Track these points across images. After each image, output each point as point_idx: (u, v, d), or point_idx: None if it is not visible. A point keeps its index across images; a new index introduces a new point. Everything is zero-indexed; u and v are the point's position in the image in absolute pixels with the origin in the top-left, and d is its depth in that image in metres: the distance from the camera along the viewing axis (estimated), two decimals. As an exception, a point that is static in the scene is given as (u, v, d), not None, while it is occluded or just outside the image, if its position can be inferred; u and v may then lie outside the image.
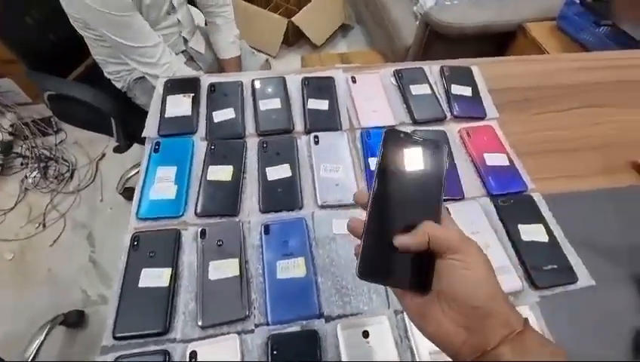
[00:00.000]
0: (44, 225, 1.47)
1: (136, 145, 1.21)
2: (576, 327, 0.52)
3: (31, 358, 1.08)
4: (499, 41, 1.44)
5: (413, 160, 0.32)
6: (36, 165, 1.59)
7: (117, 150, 1.24)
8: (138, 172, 1.36)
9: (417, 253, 0.29)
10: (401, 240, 0.30)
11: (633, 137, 0.73)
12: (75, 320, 1.22)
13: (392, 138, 0.33)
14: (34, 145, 1.62)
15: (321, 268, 0.54)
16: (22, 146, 1.64)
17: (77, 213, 1.51)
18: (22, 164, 1.61)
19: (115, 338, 0.48)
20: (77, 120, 1.14)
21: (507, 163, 0.67)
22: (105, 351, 0.47)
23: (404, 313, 0.47)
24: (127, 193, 1.50)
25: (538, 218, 0.60)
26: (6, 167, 1.58)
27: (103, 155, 1.68)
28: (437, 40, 1.42)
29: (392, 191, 0.31)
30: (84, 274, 1.36)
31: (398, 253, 0.30)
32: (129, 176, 1.49)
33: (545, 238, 0.58)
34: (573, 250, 0.57)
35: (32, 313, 1.24)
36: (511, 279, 0.53)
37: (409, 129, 0.71)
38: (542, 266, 0.55)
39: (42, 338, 1.12)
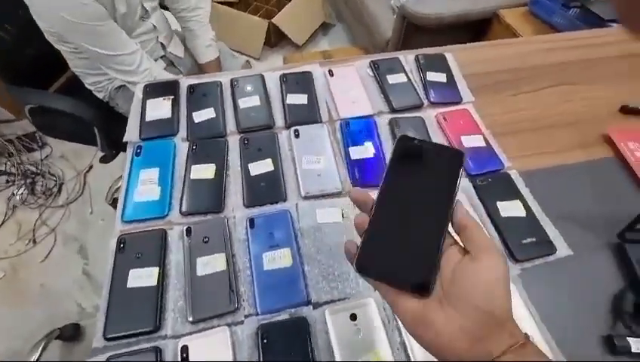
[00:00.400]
0: (34, 241, 1.46)
1: (122, 155, 1.20)
2: (557, 296, 0.53)
3: (28, 375, 1.07)
4: (475, 29, 1.47)
5: (426, 164, 0.32)
6: (23, 182, 1.57)
7: (103, 160, 1.24)
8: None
9: (423, 253, 0.29)
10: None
11: (603, 112, 0.76)
12: (71, 334, 1.22)
13: (405, 143, 0.33)
14: (19, 161, 1.61)
15: (307, 256, 0.55)
16: (6, 164, 1.62)
17: (67, 226, 1.50)
18: (7, 182, 1.60)
19: (106, 339, 0.48)
20: (60, 132, 1.13)
21: (484, 144, 0.69)
22: (96, 352, 0.48)
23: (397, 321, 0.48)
24: (117, 203, 1.50)
25: (515, 194, 0.62)
26: (-9, 185, 1.57)
27: (90, 167, 1.67)
28: (415, 31, 1.45)
29: (401, 193, 0.31)
30: (78, 288, 1.35)
31: (402, 252, 0.29)
32: (117, 186, 1.48)
33: (523, 213, 0.59)
34: (551, 223, 0.59)
35: (27, 329, 1.23)
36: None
37: (387, 117, 0.73)
38: (521, 240, 0.56)
39: (38, 354, 1.11)
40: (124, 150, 1.15)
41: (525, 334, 0.27)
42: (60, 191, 1.60)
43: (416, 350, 0.47)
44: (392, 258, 0.29)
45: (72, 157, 1.68)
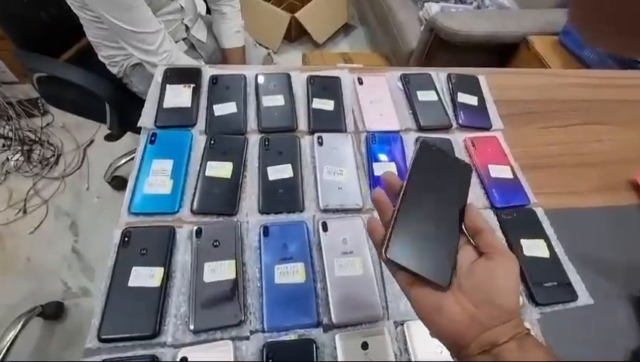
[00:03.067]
0: (24, 211, 1.41)
1: (128, 135, 1.17)
2: (574, 346, 0.51)
3: (4, 350, 1.03)
4: (501, 53, 1.45)
5: (443, 170, 0.37)
6: (19, 148, 1.52)
7: (109, 138, 1.20)
8: (128, 161, 1.32)
9: (443, 249, 0.32)
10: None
11: (632, 156, 0.74)
12: (53, 312, 1.18)
13: (426, 148, 0.37)
14: (18, 126, 1.55)
15: (321, 273, 0.53)
16: (4, 127, 1.57)
17: (61, 200, 1.46)
18: (4, 146, 1.54)
19: (100, 340, 0.45)
20: (68, 104, 1.09)
21: (511, 175, 0.66)
22: (88, 353, 0.44)
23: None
24: (116, 182, 1.46)
25: (540, 233, 0.59)
26: (-14, 148, 1.51)
27: (92, 142, 1.62)
28: (440, 46, 1.42)
29: (422, 192, 0.34)
30: (66, 265, 1.31)
31: (425, 246, 0.32)
32: (118, 164, 1.44)
33: (546, 254, 0.57)
34: (573, 268, 0.57)
35: (7, 303, 1.19)
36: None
37: (414, 135, 0.70)
38: (543, 282, 0.54)
39: (17, 330, 1.07)
40: (133, 130, 1.12)
41: (527, 329, 0.29)
42: (57, 162, 1.55)
43: (427, 389, 0.45)
44: (417, 250, 0.32)
45: (74, 129, 1.63)
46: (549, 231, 0.60)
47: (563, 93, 0.84)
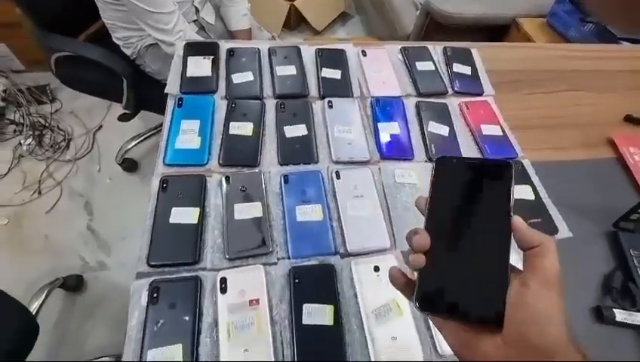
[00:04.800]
0: (39, 192, 1.46)
1: (135, 118, 1.22)
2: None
3: (31, 318, 1.10)
4: (494, 34, 1.53)
5: (472, 182, 0.30)
6: (31, 132, 1.57)
7: (122, 118, 1.25)
8: (137, 144, 1.38)
9: (490, 282, 0.27)
10: (518, 224, 0.28)
11: (608, 117, 0.83)
12: (74, 284, 1.24)
13: (443, 165, 0.31)
14: (28, 112, 1.60)
15: (336, 212, 0.60)
16: (15, 113, 1.62)
17: (74, 181, 1.51)
18: (15, 131, 1.59)
19: (149, 265, 0.52)
20: (85, 84, 1.15)
21: (501, 133, 0.74)
22: (140, 276, 0.52)
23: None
24: (126, 164, 1.51)
25: (527, 180, 0.68)
26: (-1, 133, 1.56)
27: (100, 127, 1.68)
28: (436, 29, 1.49)
29: (452, 217, 0.29)
30: (83, 242, 1.36)
31: (466, 283, 0.27)
32: (128, 147, 1.50)
33: (532, 197, 0.65)
34: (555, 208, 0.65)
35: (29, 278, 1.24)
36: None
37: (414, 100, 0.78)
38: (528, 219, 0.61)
39: (43, 298, 1.13)
40: (146, 109, 1.18)
41: (583, 355, 0.25)
42: (68, 146, 1.60)
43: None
44: (457, 291, 0.27)
45: (83, 114, 1.68)
46: (535, 178, 0.68)
47: (547, 64, 0.92)
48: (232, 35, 1.21)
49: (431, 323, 0.51)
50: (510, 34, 1.46)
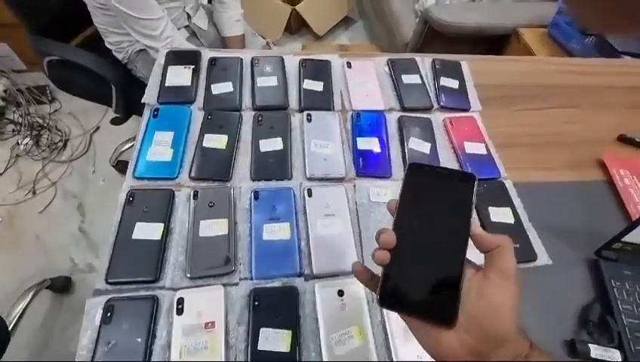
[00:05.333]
0: (34, 192, 1.48)
1: (130, 120, 1.22)
2: (529, 299, 0.56)
3: (16, 319, 1.10)
4: (493, 44, 1.49)
5: (439, 189, 0.32)
6: (29, 132, 1.59)
7: (114, 122, 1.26)
8: (132, 146, 1.39)
9: (446, 285, 0.29)
10: (478, 231, 0.30)
11: (601, 137, 0.79)
12: (61, 286, 1.25)
13: (416, 171, 0.33)
14: (27, 112, 1.62)
15: (305, 232, 0.58)
16: (14, 113, 1.64)
17: (68, 182, 1.53)
18: (13, 131, 1.61)
19: (108, 282, 0.51)
20: (76, 88, 1.15)
21: (485, 152, 0.72)
22: (97, 293, 0.51)
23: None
24: (120, 166, 1.52)
25: (507, 202, 0.65)
26: (-2, 132, 1.58)
27: (97, 128, 1.69)
28: (435, 38, 1.47)
29: (417, 221, 0.31)
30: (74, 243, 1.37)
31: (424, 284, 0.29)
32: (123, 149, 1.50)
33: (511, 220, 0.63)
34: (536, 233, 0.62)
35: (18, 277, 1.25)
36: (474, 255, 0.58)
37: (397, 115, 0.76)
38: (506, 244, 0.60)
39: (28, 300, 1.14)
40: (137, 114, 1.18)
41: (530, 342, 0.28)
42: (64, 146, 1.62)
43: (394, 329, 0.51)
44: (415, 290, 0.29)
45: (81, 115, 1.70)
46: (516, 200, 0.66)
47: (541, 79, 0.89)
48: (224, 41, 1.21)
49: (393, 354, 0.49)
50: (510, 44, 1.42)
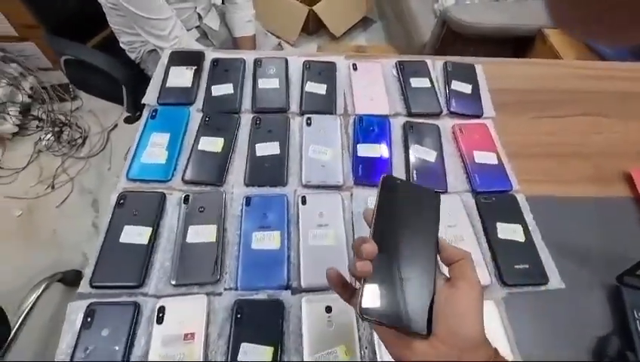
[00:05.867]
0: (52, 187, 1.53)
1: (145, 117, 1.24)
2: (540, 327, 0.52)
3: (27, 309, 1.13)
4: (516, 45, 1.42)
5: (410, 204, 0.34)
6: (51, 129, 1.64)
7: (127, 121, 1.28)
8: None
9: (420, 296, 0.30)
10: (443, 244, 0.33)
11: (627, 149, 0.72)
12: (72, 279, 1.27)
13: (389, 184, 0.35)
14: (50, 109, 1.68)
15: (296, 242, 0.56)
16: (39, 110, 1.70)
17: (85, 178, 1.57)
18: (37, 127, 1.67)
19: (91, 286, 0.50)
20: (90, 87, 1.18)
21: (496, 162, 0.67)
22: (80, 297, 0.50)
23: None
24: (134, 163, 1.54)
25: (518, 218, 0.60)
26: (22, 127, 1.65)
27: (115, 126, 1.73)
28: (454, 39, 1.41)
29: (391, 234, 0.32)
30: (87, 238, 1.41)
31: (400, 295, 0.30)
32: (136, 147, 1.53)
33: (521, 238, 0.58)
34: (548, 253, 0.57)
35: (33, 269, 1.29)
36: (480, 273, 0.53)
37: (403, 120, 0.72)
38: (514, 264, 0.55)
39: (40, 292, 1.17)
40: (147, 113, 1.19)
41: (495, 349, 0.29)
42: (83, 143, 1.67)
43: (385, 352, 0.47)
44: (393, 302, 0.30)
45: (100, 113, 1.75)
46: (528, 216, 0.60)
47: (564, 84, 0.82)
48: (235, 42, 1.20)
49: None
50: (535, 46, 1.34)
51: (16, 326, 1.07)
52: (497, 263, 0.55)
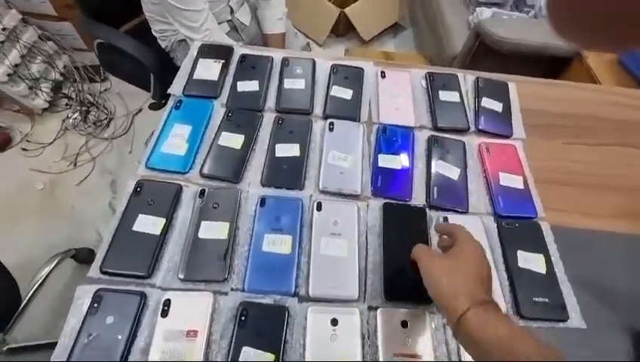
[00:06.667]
0: (75, 164, 1.57)
1: (170, 105, 1.25)
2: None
3: (40, 282, 1.16)
4: (551, 66, 1.36)
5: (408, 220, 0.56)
6: (79, 108, 1.69)
7: (152, 107, 1.30)
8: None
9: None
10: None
11: (669, 186, 0.68)
12: (84, 257, 1.30)
13: (390, 208, 0.58)
14: (80, 89, 1.73)
15: (307, 249, 0.55)
16: (69, 88, 1.75)
17: (106, 159, 1.60)
18: (66, 105, 1.72)
19: (101, 271, 0.51)
20: (120, 70, 1.20)
21: (522, 186, 0.64)
22: (89, 281, 0.50)
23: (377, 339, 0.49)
24: (154, 149, 1.57)
25: (541, 248, 0.57)
26: (52, 104, 1.69)
27: (140, 110, 1.76)
28: (486, 54, 1.37)
29: (396, 240, 0.51)
30: (102, 218, 1.44)
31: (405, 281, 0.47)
32: (158, 134, 1.55)
33: (543, 269, 0.55)
34: (571, 288, 0.54)
35: (49, 242, 1.33)
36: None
37: (428, 133, 0.70)
38: (532, 296, 0.52)
39: (52, 266, 1.19)
40: (172, 102, 1.21)
41: (488, 299, 0.37)
42: (108, 125, 1.70)
43: (387, 374, 0.46)
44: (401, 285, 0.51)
45: (127, 97, 1.78)
46: (552, 247, 0.57)
47: (600, 111, 0.78)
48: (265, 39, 1.20)
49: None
50: (571, 68, 1.29)
51: (28, 297, 1.09)
52: (515, 293, 0.52)
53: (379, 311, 0.50)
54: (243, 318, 0.48)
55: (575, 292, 0.53)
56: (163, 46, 1.16)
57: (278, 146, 0.65)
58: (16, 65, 1.51)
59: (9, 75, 1.48)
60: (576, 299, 0.53)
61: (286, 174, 0.62)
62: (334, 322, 0.49)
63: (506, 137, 0.71)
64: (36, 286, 1.13)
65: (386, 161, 0.65)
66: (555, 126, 0.75)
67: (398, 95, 0.75)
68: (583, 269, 0.56)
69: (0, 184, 1.48)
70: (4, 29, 1.43)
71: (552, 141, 0.73)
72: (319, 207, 0.58)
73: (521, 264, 0.55)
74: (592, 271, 0.57)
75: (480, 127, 0.71)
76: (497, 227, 0.59)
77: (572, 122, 0.76)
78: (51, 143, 1.62)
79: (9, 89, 1.51)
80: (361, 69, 0.78)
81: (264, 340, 0.47)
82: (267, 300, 0.50)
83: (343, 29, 2.08)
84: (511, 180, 0.64)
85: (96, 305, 0.47)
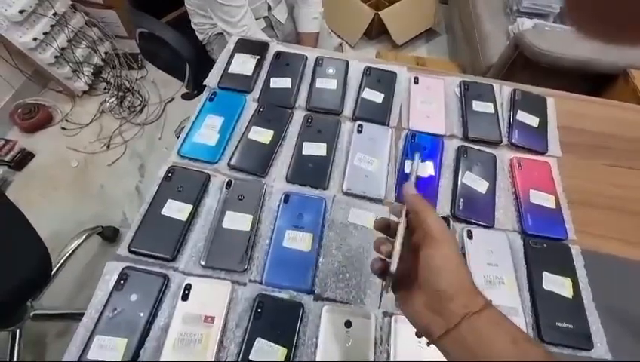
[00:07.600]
0: (108, 146, 1.64)
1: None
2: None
3: (67, 255, 1.22)
4: (594, 82, 1.30)
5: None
6: (116, 93, 1.76)
7: (185, 97, 1.33)
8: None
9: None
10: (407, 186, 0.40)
11: None
12: (110, 235, 1.36)
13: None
14: (119, 75, 1.80)
15: (326, 249, 0.55)
16: (109, 73, 1.83)
17: (137, 143, 1.66)
18: (105, 89, 1.80)
19: (129, 251, 0.53)
20: (158, 60, 1.24)
21: (553, 205, 0.62)
22: (118, 258, 0.53)
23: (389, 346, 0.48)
24: (182, 138, 1.61)
25: (569, 271, 0.55)
26: (92, 87, 1.78)
27: (172, 99, 1.82)
28: (523, 66, 1.32)
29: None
30: (129, 200, 1.49)
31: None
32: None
33: (569, 294, 0.53)
34: (598, 316, 0.51)
35: (78, 218, 1.40)
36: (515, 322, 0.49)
37: (458, 143, 0.68)
38: (556, 321, 0.50)
39: (80, 241, 1.25)
40: (204, 93, 1.24)
41: (488, 301, 0.31)
42: (141, 111, 1.77)
43: (398, 382, 0.45)
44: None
45: (161, 85, 1.84)
46: (581, 272, 0.55)
47: (645, 134, 0.74)
48: (299, 37, 1.21)
49: None
50: (615, 86, 1.23)
51: (57, 268, 1.15)
52: (537, 316, 0.51)
53: (394, 318, 0.50)
54: (259, 310, 0.49)
55: (603, 322, 0.51)
56: (200, 38, 1.19)
57: (305, 144, 0.65)
58: (63, 49, 1.59)
59: (56, 57, 1.56)
60: (604, 329, 0.51)
61: (311, 173, 0.62)
62: (348, 324, 0.49)
63: (540, 153, 0.69)
64: (65, 258, 1.18)
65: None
66: (594, 146, 0.72)
67: (430, 102, 0.74)
68: (614, 299, 0.53)
69: (41, 157, 1.58)
70: (55, 14, 1.51)
71: (591, 161, 0.70)
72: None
73: (546, 286, 0.53)
74: (625, 302, 0.54)
75: (513, 141, 0.69)
76: (524, 245, 0.57)
77: (613, 143, 0.73)
78: (88, 125, 1.70)
79: (55, 70, 1.59)
80: (394, 73, 0.77)
81: (278, 333, 0.47)
82: (283, 295, 0.51)
83: (375, 31, 2.07)
84: (542, 198, 0.62)
85: (122, 281, 0.49)
